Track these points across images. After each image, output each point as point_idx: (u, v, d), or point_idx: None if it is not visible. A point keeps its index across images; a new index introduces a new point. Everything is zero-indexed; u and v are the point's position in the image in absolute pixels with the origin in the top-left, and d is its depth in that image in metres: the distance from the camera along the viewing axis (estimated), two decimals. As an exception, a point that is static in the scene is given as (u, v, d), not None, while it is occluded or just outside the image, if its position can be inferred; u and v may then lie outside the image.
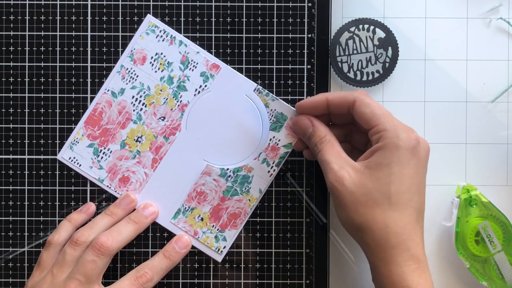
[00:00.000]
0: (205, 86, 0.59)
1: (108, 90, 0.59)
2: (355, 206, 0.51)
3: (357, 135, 0.56)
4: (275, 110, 0.58)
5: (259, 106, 0.59)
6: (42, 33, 0.59)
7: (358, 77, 0.59)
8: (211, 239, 0.59)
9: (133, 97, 0.59)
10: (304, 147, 0.57)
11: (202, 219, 0.59)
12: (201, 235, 0.59)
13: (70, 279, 0.53)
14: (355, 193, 0.51)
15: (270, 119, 0.58)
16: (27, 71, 0.59)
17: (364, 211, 0.51)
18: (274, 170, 0.59)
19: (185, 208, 0.59)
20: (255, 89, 0.59)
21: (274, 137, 0.59)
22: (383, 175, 0.50)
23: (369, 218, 0.50)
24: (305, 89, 0.59)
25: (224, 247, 0.59)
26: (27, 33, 0.59)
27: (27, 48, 0.59)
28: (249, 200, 0.59)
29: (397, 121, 0.52)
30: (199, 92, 0.59)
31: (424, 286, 0.50)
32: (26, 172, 0.59)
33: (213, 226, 0.59)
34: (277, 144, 0.59)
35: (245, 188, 0.59)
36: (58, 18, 0.59)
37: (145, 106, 0.59)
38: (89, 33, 0.59)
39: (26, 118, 0.59)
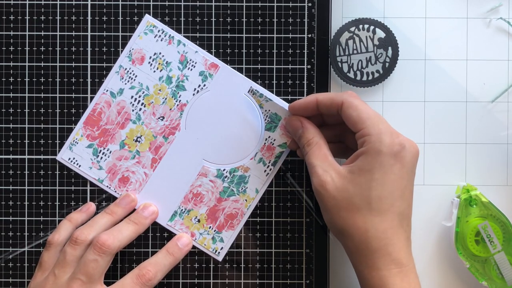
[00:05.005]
0: (204, 85, 0.59)
1: (107, 91, 0.59)
2: (337, 210, 0.51)
3: (350, 135, 0.56)
4: (269, 110, 0.58)
5: (256, 106, 0.59)
6: (42, 33, 0.59)
7: (358, 77, 0.59)
8: (208, 241, 0.59)
9: (132, 97, 0.59)
10: (298, 146, 0.57)
11: (198, 221, 0.59)
12: (198, 237, 0.59)
13: (73, 279, 0.53)
14: (337, 198, 0.51)
15: (265, 119, 0.58)
16: (27, 71, 0.59)
17: (345, 216, 0.51)
18: (271, 170, 0.59)
19: (182, 210, 0.59)
20: (249, 91, 0.58)
21: (269, 136, 0.59)
22: (365, 181, 0.50)
23: (350, 223, 0.50)
24: (305, 89, 0.59)
25: (222, 248, 0.59)
26: (27, 33, 0.59)
27: (27, 48, 0.59)
28: (246, 200, 0.59)
29: (383, 125, 0.51)
30: (198, 91, 0.59)
31: None
32: (26, 172, 0.59)
33: (210, 227, 0.59)
34: (273, 144, 0.59)
35: (242, 188, 0.59)
36: (58, 18, 0.59)
37: (144, 106, 0.59)
38: (89, 33, 0.59)
39: (26, 118, 0.59)
